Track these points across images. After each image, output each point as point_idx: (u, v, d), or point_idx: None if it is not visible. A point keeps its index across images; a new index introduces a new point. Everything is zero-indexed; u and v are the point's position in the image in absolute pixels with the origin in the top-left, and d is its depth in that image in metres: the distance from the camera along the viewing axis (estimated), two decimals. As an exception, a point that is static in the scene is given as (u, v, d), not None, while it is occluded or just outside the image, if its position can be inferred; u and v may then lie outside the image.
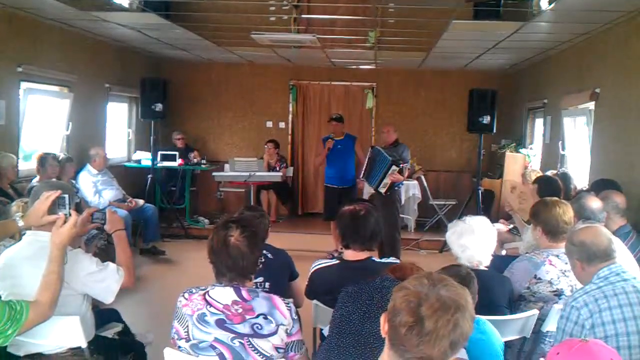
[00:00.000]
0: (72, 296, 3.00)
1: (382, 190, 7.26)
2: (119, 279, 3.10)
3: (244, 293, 2.62)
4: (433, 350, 1.61)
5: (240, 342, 2.55)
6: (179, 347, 2.63)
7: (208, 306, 2.59)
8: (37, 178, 6.45)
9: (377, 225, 3.43)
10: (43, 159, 6.59)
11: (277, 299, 2.67)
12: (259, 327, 2.57)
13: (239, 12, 6.56)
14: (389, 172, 7.14)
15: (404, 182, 8.12)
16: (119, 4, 6.21)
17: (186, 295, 2.66)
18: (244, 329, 2.56)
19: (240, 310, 2.57)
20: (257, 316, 2.58)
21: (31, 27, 6.88)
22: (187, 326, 2.59)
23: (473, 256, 3.37)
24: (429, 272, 1.75)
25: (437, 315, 1.61)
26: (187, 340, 2.59)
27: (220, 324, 2.56)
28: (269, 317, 2.59)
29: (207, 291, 2.63)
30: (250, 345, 2.55)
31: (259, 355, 2.56)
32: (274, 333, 2.58)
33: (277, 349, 2.59)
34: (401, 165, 7.19)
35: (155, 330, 4.16)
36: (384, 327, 1.73)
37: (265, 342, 2.57)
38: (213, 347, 2.56)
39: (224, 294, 2.61)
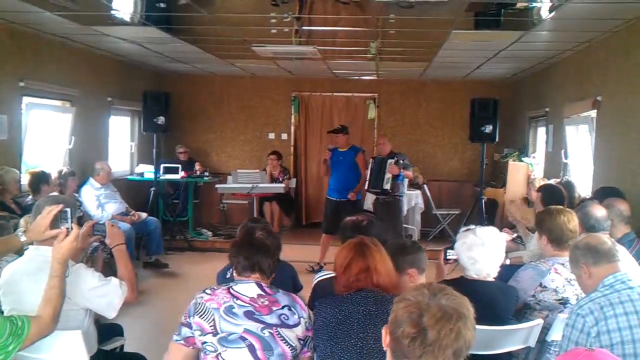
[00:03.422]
0: (75, 311, 2.99)
1: (387, 186, 7.43)
2: (121, 294, 3.09)
3: (266, 289, 2.72)
4: None
5: (270, 332, 2.61)
6: (204, 342, 2.61)
7: (235, 299, 2.65)
8: (31, 197, 6.33)
9: (380, 236, 3.41)
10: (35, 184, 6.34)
11: (295, 296, 2.81)
12: (286, 318, 2.66)
13: (240, 25, 6.57)
14: (387, 167, 7.52)
15: (405, 192, 8.15)
16: (120, 18, 6.23)
17: (208, 291, 2.70)
18: (272, 319, 2.63)
19: (266, 303, 2.66)
20: (283, 307, 2.68)
21: (33, 42, 6.91)
22: (213, 319, 2.61)
23: (482, 269, 3.35)
24: (428, 282, 1.75)
25: (439, 325, 1.60)
26: (215, 334, 2.60)
27: (249, 315, 2.62)
28: (292, 308, 2.69)
29: (231, 286, 2.70)
30: (279, 335, 2.62)
31: (287, 345, 2.63)
32: (298, 324, 2.68)
33: (299, 340, 2.67)
34: (396, 158, 7.59)
35: (159, 343, 4.13)
36: (385, 339, 1.72)
37: (291, 332, 2.65)
38: (243, 339, 2.59)
39: (249, 289, 2.69)
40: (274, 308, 2.66)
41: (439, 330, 1.59)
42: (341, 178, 7.97)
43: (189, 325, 2.66)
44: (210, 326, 2.61)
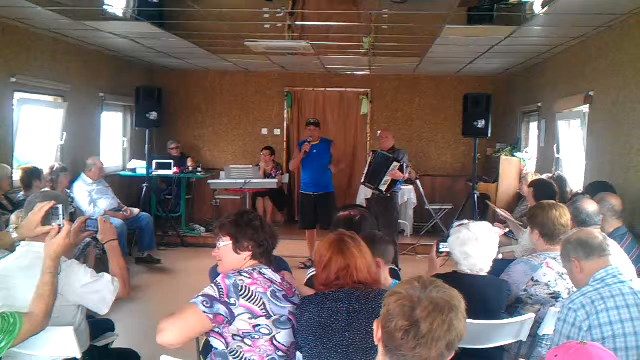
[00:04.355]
0: (67, 307, 2.98)
1: (383, 187, 7.33)
2: (113, 290, 3.07)
3: (278, 274, 2.83)
4: (430, 352, 1.62)
5: None
6: (256, 325, 2.58)
7: (272, 284, 2.71)
8: (23, 193, 6.30)
9: (373, 230, 3.42)
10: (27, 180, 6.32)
11: None
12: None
13: (233, 20, 6.55)
14: (390, 169, 7.28)
15: (402, 187, 8.13)
16: (112, 14, 6.21)
17: (246, 274, 2.66)
18: (295, 300, 2.77)
19: (288, 286, 2.79)
20: (294, 290, 2.84)
21: (24, 37, 6.86)
22: (263, 303, 2.62)
23: (475, 264, 3.36)
24: (418, 276, 1.75)
25: (432, 317, 1.61)
26: (268, 316, 2.61)
27: (287, 298, 2.72)
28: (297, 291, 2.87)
29: (260, 270, 2.74)
30: None
31: None
32: None
33: None
34: (402, 162, 7.34)
35: (152, 339, 4.12)
36: (377, 333, 1.72)
37: None
38: (289, 320, 2.68)
39: (272, 274, 2.77)
40: (293, 289, 2.81)
41: (431, 322, 1.61)
42: (317, 172, 7.92)
43: (227, 306, 2.56)
44: (262, 309, 2.60)
